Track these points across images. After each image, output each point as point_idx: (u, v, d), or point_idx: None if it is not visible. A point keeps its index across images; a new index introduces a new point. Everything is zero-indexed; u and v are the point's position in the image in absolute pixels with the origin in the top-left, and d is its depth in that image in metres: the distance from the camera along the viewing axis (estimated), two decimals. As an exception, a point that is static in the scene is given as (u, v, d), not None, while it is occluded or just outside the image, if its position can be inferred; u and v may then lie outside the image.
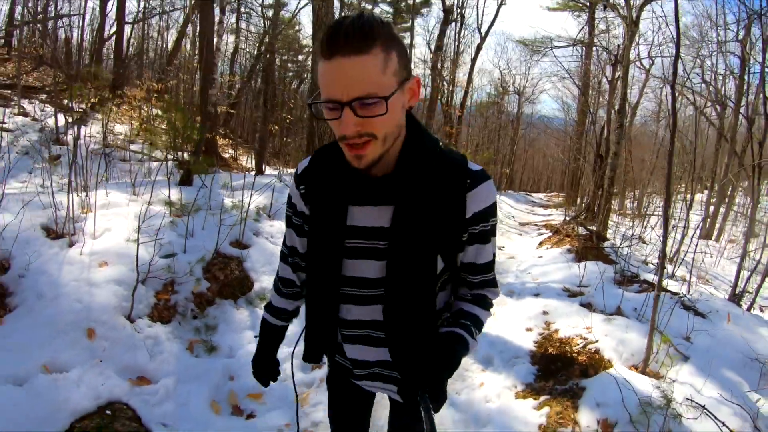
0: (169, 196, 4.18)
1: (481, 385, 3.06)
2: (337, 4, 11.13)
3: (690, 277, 5.35)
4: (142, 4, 16.17)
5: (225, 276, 3.45)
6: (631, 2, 9.04)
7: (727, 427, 2.13)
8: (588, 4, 15.30)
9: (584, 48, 15.69)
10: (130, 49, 15.68)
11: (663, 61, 12.17)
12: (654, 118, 18.03)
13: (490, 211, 1.09)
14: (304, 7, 25.76)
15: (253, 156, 12.81)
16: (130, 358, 2.54)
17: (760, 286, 4.82)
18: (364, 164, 0.97)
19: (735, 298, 4.67)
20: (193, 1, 13.30)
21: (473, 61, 15.44)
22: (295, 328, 1.45)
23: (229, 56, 18.50)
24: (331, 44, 0.88)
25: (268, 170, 10.19)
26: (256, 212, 4.54)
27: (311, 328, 1.22)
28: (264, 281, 3.61)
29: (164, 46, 16.70)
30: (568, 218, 10.24)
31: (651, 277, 5.01)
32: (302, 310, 1.30)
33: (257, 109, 17.81)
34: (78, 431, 2.09)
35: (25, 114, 9.12)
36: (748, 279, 4.87)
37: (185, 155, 6.19)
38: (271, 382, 1.36)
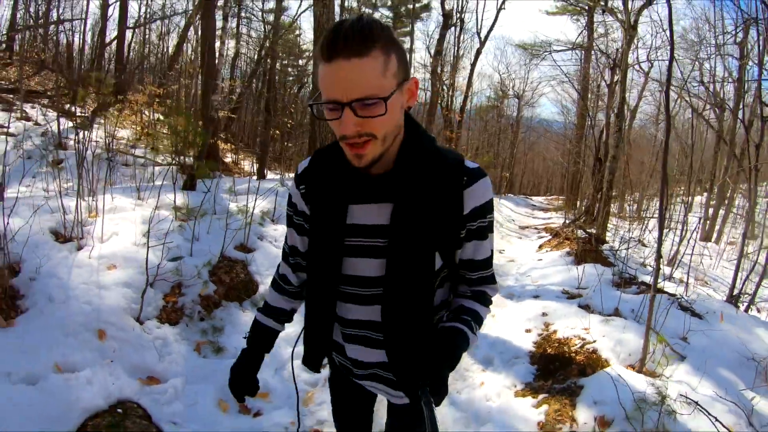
0: (174, 201, 4.25)
1: (481, 385, 3.13)
2: (337, 9, 11.22)
3: (687, 279, 5.42)
4: (143, 9, 16.30)
5: (231, 279, 3.53)
6: (629, 7, 9.13)
7: (720, 422, 2.19)
8: (587, 8, 15.40)
9: (583, 52, 15.80)
10: (131, 53, 15.80)
11: (662, 65, 12.29)
12: (653, 121, 18.14)
13: (487, 208, 1.11)
14: (304, 11, 25.92)
15: (255, 160, 12.90)
16: (139, 359, 2.61)
17: (757, 287, 4.88)
18: (364, 163, 1.00)
19: (733, 299, 4.72)
20: (193, 7, 13.42)
21: (473, 65, 15.53)
22: (296, 328, 1.46)
23: (230, 61, 18.61)
24: (332, 47, 0.90)
25: (269, 175, 10.27)
26: (261, 217, 4.61)
27: (310, 327, 1.24)
28: (268, 284, 3.67)
29: (165, 50, 16.80)
30: (567, 221, 10.31)
31: (649, 279, 5.07)
32: (301, 311, 1.30)
33: (258, 113, 17.91)
34: (91, 428, 2.15)
35: (28, 118, 9.18)
36: (745, 280, 4.93)
37: (188, 160, 6.27)
38: (248, 397, 1.34)
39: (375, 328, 1.15)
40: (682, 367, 3.07)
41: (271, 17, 15.86)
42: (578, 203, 14.89)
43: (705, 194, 13.57)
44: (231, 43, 17.74)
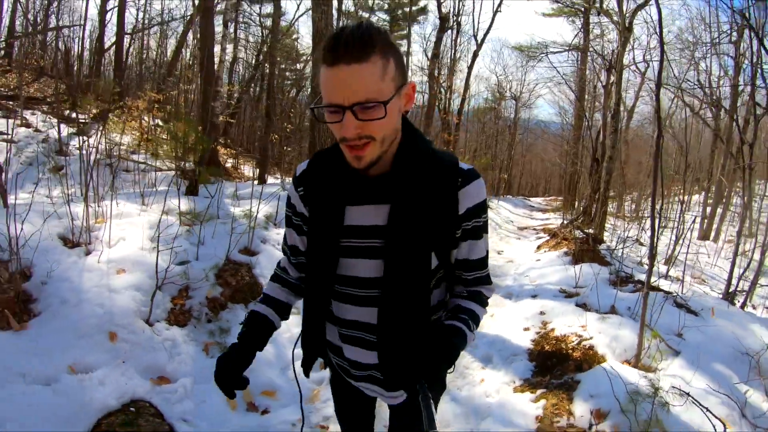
0: (179, 206, 4.34)
1: (481, 382, 3.23)
2: (334, 13, 11.34)
3: (683, 276, 5.50)
4: (141, 15, 16.41)
5: (236, 282, 3.62)
6: (624, 8, 9.24)
7: (711, 413, 2.27)
8: (583, 9, 15.52)
9: (579, 53, 15.91)
10: (130, 59, 15.90)
11: (658, 65, 12.38)
12: (650, 120, 18.24)
13: (482, 207, 1.14)
14: (302, 15, 26.05)
15: (254, 165, 12.99)
16: (150, 359, 2.69)
17: (752, 283, 4.96)
18: (363, 164, 1.03)
19: (729, 296, 4.79)
20: (192, 11, 13.52)
21: (470, 68, 15.67)
22: (297, 328, 1.45)
23: (228, 65, 18.71)
24: (333, 52, 0.93)
25: (270, 179, 10.35)
26: (264, 221, 4.70)
27: (306, 328, 1.26)
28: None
29: (163, 55, 16.90)
30: (565, 222, 10.40)
31: (645, 278, 5.17)
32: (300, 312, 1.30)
33: (257, 118, 18.00)
34: (105, 427, 2.23)
35: (28, 125, 9.23)
36: (740, 277, 5.00)
37: (191, 165, 6.35)
38: (237, 391, 1.25)
39: (371, 330, 1.17)
40: (677, 362, 3.15)
41: (268, 22, 15.98)
42: (576, 204, 14.98)
43: (703, 193, 13.65)
44: (229, 48, 17.86)
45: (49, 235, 3.34)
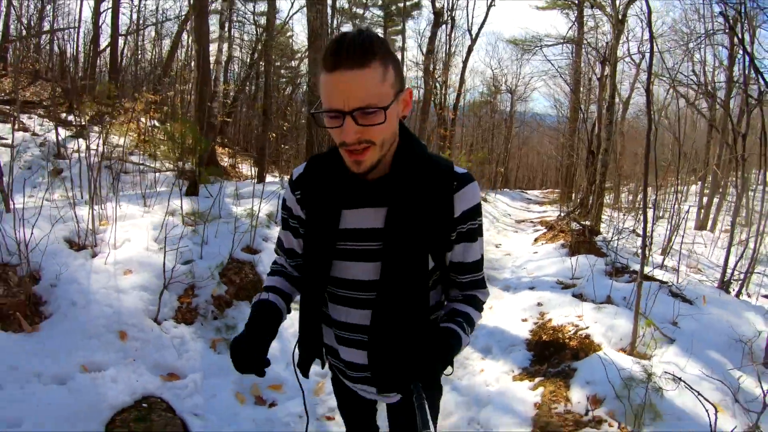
0: (181, 207, 4.42)
1: (481, 371, 3.32)
2: (329, 11, 11.38)
3: (679, 266, 5.60)
4: (135, 16, 16.40)
5: (240, 279, 3.70)
6: (617, 1, 9.31)
7: (703, 396, 2.36)
8: (576, 2, 15.56)
9: (574, 46, 15.97)
10: (125, 60, 15.88)
11: (660, 54, 12.41)
12: (646, 111, 18.25)
13: (476, 211, 1.16)
14: (296, 13, 26.04)
15: (252, 163, 13.04)
16: (159, 357, 2.77)
17: (747, 271, 5.03)
18: (363, 169, 1.04)
19: (724, 285, 4.87)
20: (187, 10, 13.54)
21: (465, 62, 15.72)
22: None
23: (223, 64, 18.68)
24: (334, 58, 0.95)
25: (268, 177, 10.41)
26: (267, 219, 4.78)
27: (302, 330, 1.28)
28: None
29: (158, 56, 16.90)
30: (562, 214, 10.49)
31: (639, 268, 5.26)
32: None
33: (254, 117, 18.02)
34: (119, 423, 2.31)
35: (25, 129, 9.26)
36: (735, 265, 5.07)
37: (190, 166, 6.42)
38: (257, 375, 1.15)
39: (366, 332, 1.18)
40: (671, 349, 3.24)
41: (262, 20, 16.00)
42: (573, 196, 15.08)
43: (699, 183, 13.73)
44: (224, 47, 17.82)
45: (56, 238, 3.41)
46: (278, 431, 2.49)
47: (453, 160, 14.46)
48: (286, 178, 8.11)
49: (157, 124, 10.03)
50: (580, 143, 15.70)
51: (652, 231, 5.87)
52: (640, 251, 6.57)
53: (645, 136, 3.42)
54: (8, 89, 11.40)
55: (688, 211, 6.77)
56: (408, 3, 21.66)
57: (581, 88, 15.72)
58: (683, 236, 6.42)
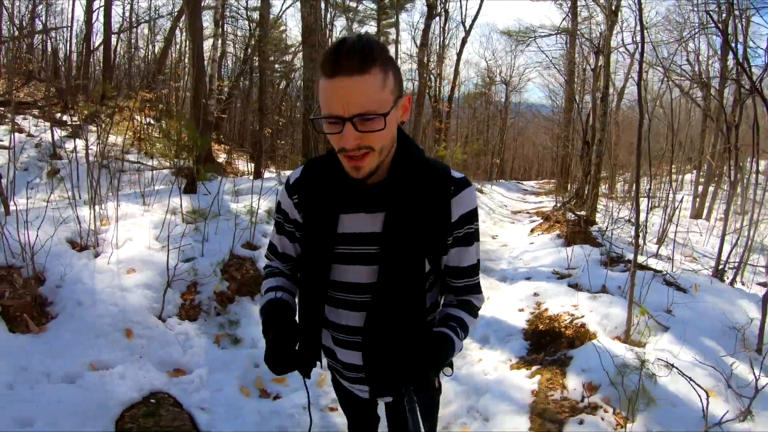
0: (180, 205, 4.46)
1: (479, 361, 3.40)
2: (322, 4, 11.34)
3: (673, 255, 5.66)
4: (127, 13, 16.30)
5: (241, 275, 3.76)
6: (610, -8, 9.31)
7: (694, 382, 2.43)
8: (570, -8, 15.54)
9: (568, 36, 15.97)
10: (118, 58, 15.82)
11: (649, 45, 12.45)
12: (638, 106, 18.25)
13: (473, 215, 1.16)
14: (289, 7, 25.92)
15: (248, 159, 13.05)
16: (165, 353, 2.84)
17: (741, 259, 5.09)
18: (362, 174, 1.04)
19: (718, 273, 4.93)
20: (178, 10, 13.49)
21: (459, 54, 15.75)
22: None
23: (218, 61, 18.63)
24: (334, 64, 0.94)
25: (265, 173, 10.44)
26: (267, 215, 4.84)
27: (303, 332, 1.24)
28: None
29: (151, 53, 16.82)
30: (558, 205, 10.56)
31: (638, 258, 5.32)
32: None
33: (249, 112, 17.99)
34: (128, 419, 2.37)
35: (21, 130, 9.23)
36: (730, 254, 5.13)
37: (183, 163, 6.43)
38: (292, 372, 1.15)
39: (362, 333, 1.19)
40: (665, 337, 3.31)
41: (255, 15, 15.94)
42: (569, 186, 15.15)
43: (695, 172, 13.79)
44: (218, 44, 17.77)
45: (58, 239, 3.45)
46: (284, 423, 2.55)
47: (448, 152, 14.51)
48: (283, 173, 8.18)
49: (151, 121, 10.03)
50: (575, 134, 15.76)
51: (646, 220, 5.96)
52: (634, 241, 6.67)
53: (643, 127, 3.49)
54: (2, 91, 11.35)
55: (681, 201, 6.83)
56: (401, -5, 21.58)
57: (576, 79, 15.75)
58: (677, 225, 6.49)
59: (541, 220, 9.17)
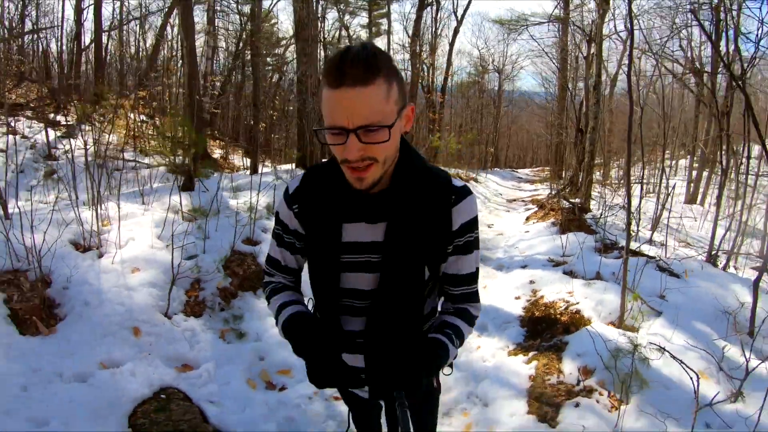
0: (180, 203, 4.52)
1: (477, 348, 3.51)
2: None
3: (666, 241, 5.75)
4: (118, 11, 16.18)
5: (243, 271, 3.84)
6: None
7: (685, 365, 2.52)
8: (562, -21, 15.49)
9: (560, 24, 15.96)
10: (109, 56, 15.71)
11: (641, 32, 12.45)
12: (634, 87, 18.32)
13: (473, 223, 1.17)
14: (279, 0, 25.69)
15: (243, 154, 13.06)
16: (172, 350, 2.92)
17: (733, 244, 5.18)
18: (365, 185, 1.03)
19: (711, 258, 5.00)
20: (169, 6, 13.41)
21: (451, 44, 15.77)
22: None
23: (213, 58, 18.56)
24: (337, 74, 0.93)
25: (261, 168, 10.46)
26: (267, 212, 4.91)
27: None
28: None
29: (143, 50, 16.71)
30: (552, 193, 10.64)
31: (632, 244, 5.41)
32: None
33: (243, 107, 17.94)
34: (141, 414, 2.44)
35: (14, 132, 9.21)
36: (723, 238, 5.18)
37: (182, 160, 6.47)
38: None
39: (362, 337, 1.21)
40: (658, 322, 3.40)
41: (246, 9, 15.86)
42: (563, 173, 15.22)
43: (689, 157, 13.86)
44: (211, 40, 17.68)
45: (61, 241, 3.51)
46: (291, 413, 2.64)
47: (443, 142, 14.50)
48: (279, 167, 8.22)
49: (144, 118, 10.02)
50: (568, 121, 15.80)
51: (639, 206, 6.04)
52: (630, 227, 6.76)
53: (636, 115, 3.57)
54: (-5, 93, 11.27)
55: (674, 187, 6.92)
56: (392, -15, 21.47)
57: (568, 67, 15.76)
58: (670, 211, 6.58)
59: (536, 209, 9.26)
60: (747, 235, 5.73)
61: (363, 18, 21.26)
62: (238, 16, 16.68)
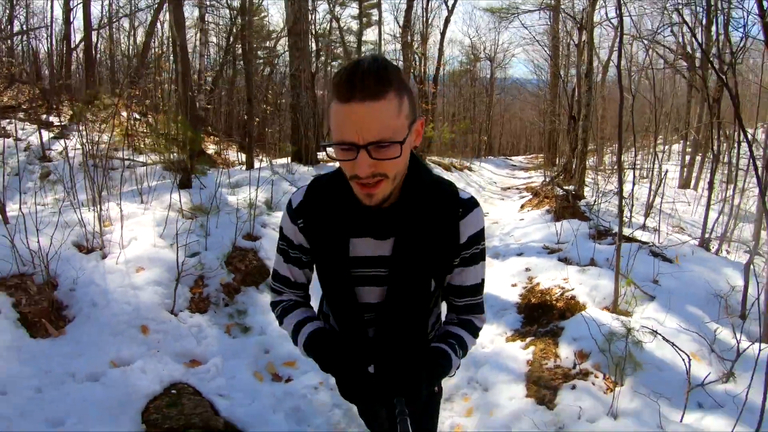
0: (179, 201, 4.58)
1: (476, 335, 3.60)
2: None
3: (659, 226, 5.85)
4: (107, 8, 16.04)
5: (245, 266, 3.92)
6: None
7: (677, 347, 2.62)
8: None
9: (551, 12, 15.98)
10: (99, 55, 15.60)
11: (632, 18, 12.47)
12: (625, 75, 18.36)
13: (480, 235, 1.16)
14: (269, -6, 25.46)
15: (237, 149, 13.04)
16: (180, 346, 2.99)
17: (725, 229, 5.27)
18: (374, 202, 1.01)
19: (704, 243, 5.10)
20: (158, 3, 13.32)
21: (442, 34, 15.76)
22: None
23: (206, 56, 18.45)
24: (348, 88, 0.90)
25: (255, 163, 10.47)
26: (266, 208, 4.97)
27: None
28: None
29: (133, 47, 16.59)
30: (546, 180, 10.73)
31: (625, 230, 5.50)
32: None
33: (236, 102, 17.89)
34: (153, 409, 2.52)
35: (7, 135, 9.17)
36: (715, 222, 5.25)
37: (178, 156, 6.49)
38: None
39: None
40: (652, 306, 3.51)
41: (235, 2, 15.75)
42: (557, 160, 15.31)
43: (682, 142, 13.94)
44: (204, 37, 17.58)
45: (65, 243, 3.56)
46: (298, 403, 2.73)
47: (436, 132, 14.49)
48: (275, 161, 8.24)
49: (137, 116, 9.99)
50: (561, 109, 15.85)
51: (632, 192, 6.13)
52: (624, 213, 6.85)
53: (628, 102, 3.64)
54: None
55: (666, 173, 7.01)
56: (382, -25, 21.33)
57: (560, 54, 15.80)
58: (662, 197, 6.67)
59: (531, 196, 9.35)
60: (740, 219, 5.82)
61: (353, 9, 21.18)
62: (228, 11, 16.61)
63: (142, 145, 8.42)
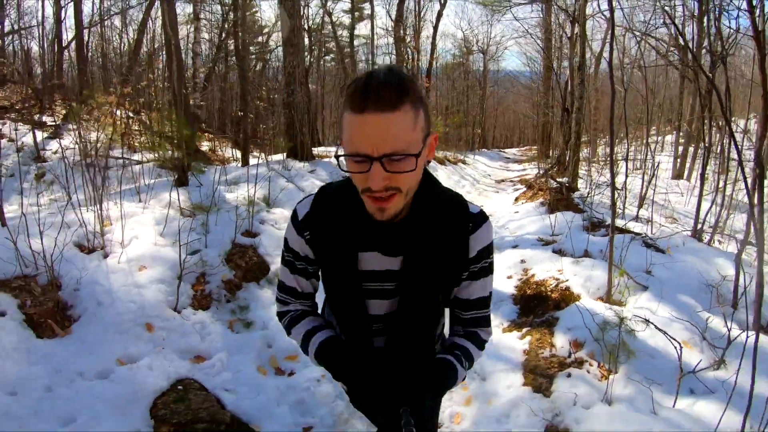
0: (178, 200, 4.62)
1: (474, 327, 3.68)
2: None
3: (652, 217, 5.93)
4: (98, 6, 15.93)
5: (245, 263, 3.98)
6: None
7: (669, 335, 2.70)
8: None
9: (543, 4, 16.01)
10: (90, 53, 15.51)
11: (623, 10, 12.51)
12: (617, 67, 18.40)
13: (489, 249, 1.15)
14: (260, -11, 25.41)
15: (231, 145, 13.04)
16: (185, 343, 3.06)
17: (717, 219, 5.35)
18: (386, 216, 0.99)
19: (697, 233, 5.18)
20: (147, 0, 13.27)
21: (435, 28, 15.79)
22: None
23: (201, 54, 18.36)
24: (362, 98, 0.88)
25: (251, 160, 10.49)
26: (265, 203, 5.02)
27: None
28: (278, 262, 4.11)
29: (125, 45, 16.50)
30: (540, 172, 10.80)
31: (618, 222, 5.57)
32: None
33: (229, 99, 17.84)
34: (161, 405, 2.58)
35: (1, 136, 9.16)
36: (707, 213, 5.34)
37: (174, 154, 6.51)
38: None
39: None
40: (644, 296, 3.59)
41: (228, -1, 15.68)
42: (551, 152, 15.38)
43: (675, 133, 14.02)
44: (191, 29, 17.49)
45: (65, 244, 3.60)
46: (301, 396, 2.80)
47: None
48: (270, 158, 8.27)
49: (130, 114, 9.98)
50: (554, 101, 15.91)
51: (625, 184, 6.21)
52: (617, 204, 6.92)
53: (619, 90, 3.71)
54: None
55: (659, 164, 7.09)
56: (374, -31, 21.27)
57: (553, 46, 15.84)
58: (655, 188, 6.75)
59: (525, 189, 9.42)
60: (732, 209, 5.91)
61: (345, 3, 21.12)
62: (219, 6, 16.52)
63: (137, 144, 8.43)
